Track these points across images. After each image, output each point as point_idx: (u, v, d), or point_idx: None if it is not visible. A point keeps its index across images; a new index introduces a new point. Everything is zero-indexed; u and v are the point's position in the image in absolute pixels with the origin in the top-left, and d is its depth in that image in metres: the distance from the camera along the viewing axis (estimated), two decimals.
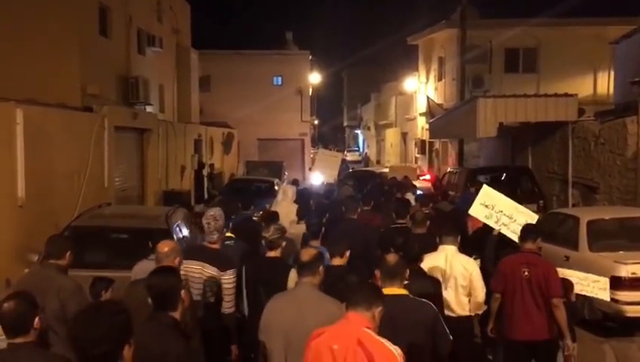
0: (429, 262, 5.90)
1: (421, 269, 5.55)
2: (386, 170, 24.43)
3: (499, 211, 7.54)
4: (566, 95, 14.84)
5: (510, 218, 7.43)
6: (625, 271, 8.07)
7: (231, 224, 7.68)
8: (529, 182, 15.60)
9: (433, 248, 6.14)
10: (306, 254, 4.46)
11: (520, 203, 8.09)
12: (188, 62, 25.70)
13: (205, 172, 22.67)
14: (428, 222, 7.21)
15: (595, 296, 6.74)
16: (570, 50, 23.36)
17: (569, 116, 14.44)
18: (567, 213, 10.58)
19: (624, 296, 8.02)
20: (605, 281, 6.68)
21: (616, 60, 19.20)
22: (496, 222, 7.50)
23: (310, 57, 36.52)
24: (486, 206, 7.63)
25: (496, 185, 9.48)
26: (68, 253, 5.13)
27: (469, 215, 8.17)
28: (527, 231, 6.21)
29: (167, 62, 23.03)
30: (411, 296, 4.42)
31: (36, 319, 3.45)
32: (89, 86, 14.71)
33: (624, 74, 16.78)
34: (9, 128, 9.48)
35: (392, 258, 4.51)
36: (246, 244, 6.72)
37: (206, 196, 21.65)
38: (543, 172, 16.06)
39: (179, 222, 8.95)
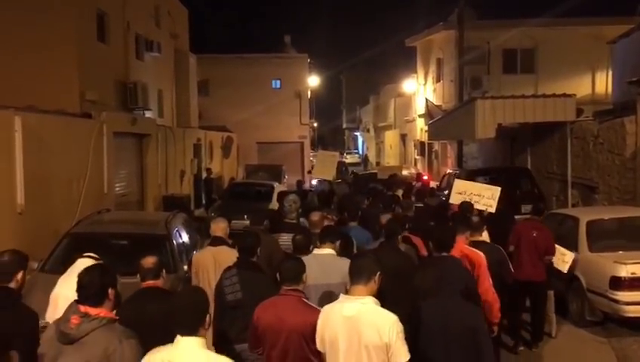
0: None
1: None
2: (374, 170, 27.20)
3: (470, 193, 9.78)
4: (564, 95, 14.84)
5: (479, 195, 9.67)
6: (625, 271, 8.07)
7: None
8: (528, 182, 15.61)
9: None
10: (384, 219, 7.07)
11: (519, 204, 9.57)
12: (186, 66, 25.70)
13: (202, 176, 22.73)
14: (414, 207, 10.06)
15: (557, 266, 8.49)
16: (568, 50, 23.38)
17: (567, 116, 14.44)
18: (566, 213, 10.58)
19: (624, 296, 8.04)
20: (570, 256, 8.55)
21: (614, 60, 19.20)
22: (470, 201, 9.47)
23: (308, 60, 36.52)
24: (460, 193, 9.94)
25: (496, 186, 9.92)
26: (266, 221, 7.50)
27: (451, 204, 10.37)
28: (538, 209, 9.03)
29: (166, 67, 23.05)
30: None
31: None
32: (88, 92, 14.71)
33: (622, 73, 16.78)
34: (8, 135, 9.49)
35: (476, 218, 7.31)
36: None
37: (204, 201, 21.67)
38: (542, 172, 16.07)
39: (178, 227, 8.96)
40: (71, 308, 3.65)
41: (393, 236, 6.39)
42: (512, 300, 8.03)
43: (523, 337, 8.11)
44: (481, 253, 5.98)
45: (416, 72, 33.38)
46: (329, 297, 4.70)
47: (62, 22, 14.43)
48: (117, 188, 14.70)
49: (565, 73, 23.14)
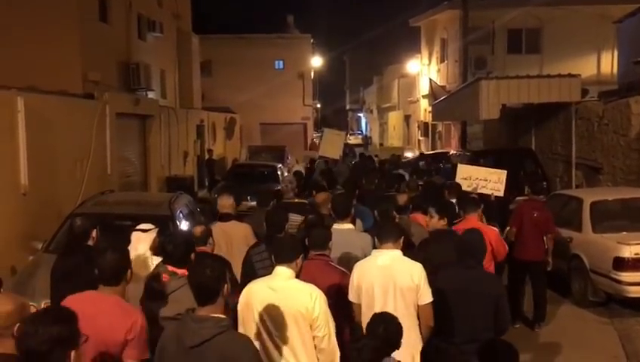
0: None
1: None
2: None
3: (475, 179, 9.67)
4: (569, 75, 14.71)
5: (485, 180, 9.60)
6: (628, 251, 8.08)
7: None
8: (532, 163, 15.54)
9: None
10: (401, 199, 7.79)
11: (523, 185, 9.75)
12: (189, 47, 25.56)
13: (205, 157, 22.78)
14: (419, 188, 9.88)
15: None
16: (574, 30, 23.16)
17: (572, 97, 14.34)
18: (570, 194, 10.56)
19: (627, 276, 8.05)
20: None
21: (619, 40, 19.02)
22: (476, 188, 9.42)
23: (312, 41, 36.33)
24: (464, 178, 9.71)
25: (499, 167, 9.91)
26: (272, 202, 8.02)
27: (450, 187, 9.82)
28: (538, 188, 8.93)
29: (168, 47, 22.93)
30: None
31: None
32: (90, 73, 14.66)
33: (628, 53, 16.64)
34: (10, 116, 9.48)
35: (475, 197, 7.59)
36: None
37: (207, 182, 21.69)
38: (546, 153, 16.01)
39: (182, 208, 8.97)
40: (159, 267, 4.43)
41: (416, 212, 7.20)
42: (514, 280, 8.19)
43: (526, 317, 8.14)
44: (494, 228, 6.70)
45: (420, 53, 33.19)
46: (348, 264, 5.18)
47: (64, 2, 14.35)
48: (120, 169, 14.70)
49: (570, 53, 22.93)
